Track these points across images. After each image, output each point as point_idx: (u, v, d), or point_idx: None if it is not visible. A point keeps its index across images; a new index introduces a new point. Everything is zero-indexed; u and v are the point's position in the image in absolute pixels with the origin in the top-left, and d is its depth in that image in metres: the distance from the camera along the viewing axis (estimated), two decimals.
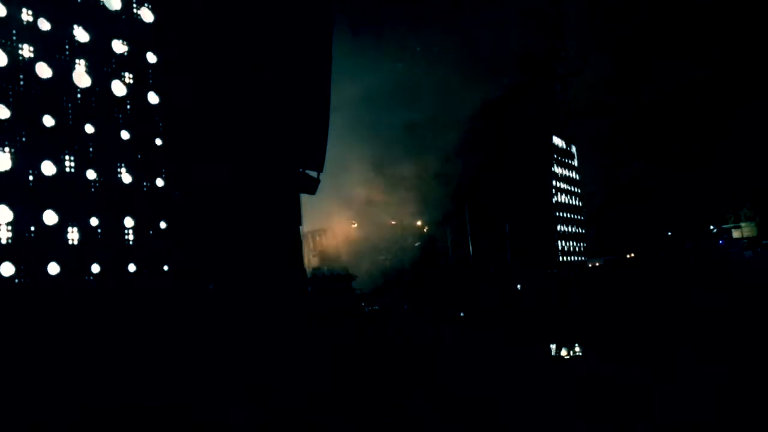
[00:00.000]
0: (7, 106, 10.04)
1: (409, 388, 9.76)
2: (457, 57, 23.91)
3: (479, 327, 15.74)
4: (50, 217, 10.45)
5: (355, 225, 26.58)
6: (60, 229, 10.59)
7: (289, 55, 16.01)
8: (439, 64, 24.39)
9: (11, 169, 9.99)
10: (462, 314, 17.86)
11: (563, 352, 13.24)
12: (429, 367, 11.34)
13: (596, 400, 8.93)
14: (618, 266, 31.57)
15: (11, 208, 9.91)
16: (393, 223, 27.45)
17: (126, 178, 11.89)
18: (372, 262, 24.88)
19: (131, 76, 12.22)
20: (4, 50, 10.03)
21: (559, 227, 35.19)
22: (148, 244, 12.07)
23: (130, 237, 11.88)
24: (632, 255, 35.29)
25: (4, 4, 10.08)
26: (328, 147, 17.44)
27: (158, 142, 12.64)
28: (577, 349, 13.00)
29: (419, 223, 28.26)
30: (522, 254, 27.43)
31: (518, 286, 21.80)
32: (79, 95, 11.20)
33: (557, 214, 35.40)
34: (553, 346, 13.03)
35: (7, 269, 9.74)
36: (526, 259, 26.91)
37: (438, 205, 26.28)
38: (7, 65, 10.06)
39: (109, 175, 11.56)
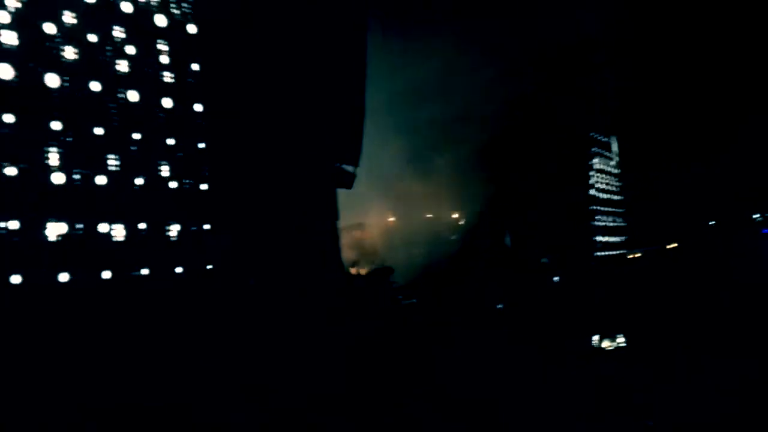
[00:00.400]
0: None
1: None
2: (493, 50, 23.76)
3: (516, 322, 15.78)
4: (101, 221, 11.00)
5: (392, 219, 26.73)
6: (108, 229, 11.11)
7: (325, 54, 16.28)
8: (475, 57, 24.22)
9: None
10: (500, 306, 17.91)
11: (605, 344, 13.19)
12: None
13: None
14: (659, 257, 31.05)
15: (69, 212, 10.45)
16: (429, 216, 27.52)
17: (172, 183, 12.32)
18: (409, 256, 24.99)
19: (175, 82, 12.65)
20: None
21: (597, 220, 34.65)
22: (193, 245, 12.50)
23: (173, 236, 12.29)
24: (673, 245, 34.62)
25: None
26: (364, 142, 17.65)
27: (201, 145, 13.06)
28: (620, 340, 12.91)
29: (455, 216, 28.27)
30: (560, 248, 27.15)
31: (555, 279, 21.71)
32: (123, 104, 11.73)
33: (596, 207, 34.83)
34: (595, 338, 12.99)
35: (62, 274, 10.29)
36: (564, 253, 26.68)
37: (474, 198, 26.24)
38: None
39: (154, 179, 12.04)
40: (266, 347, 11.12)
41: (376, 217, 25.00)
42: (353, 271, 20.02)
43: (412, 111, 21.94)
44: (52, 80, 10.46)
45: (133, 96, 11.66)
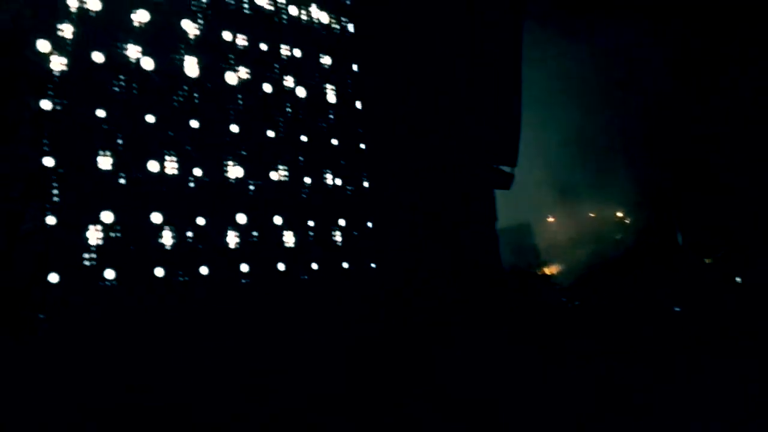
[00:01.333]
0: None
1: None
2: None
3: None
4: (277, 221, 11.70)
5: (552, 219, 25.98)
6: (279, 232, 11.76)
7: (479, 52, 16.17)
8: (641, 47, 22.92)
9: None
10: (677, 309, 16.79)
11: None
12: None
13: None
14: None
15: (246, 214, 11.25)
16: (592, 215, 26.36)
17: (336, 181, 12.84)
18: (572, 257, 24.14)
19: (334, 87, 13.16)
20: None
21: None
22: (356, 244, 12.91)
23: (339, 238, 12.74)
24: None
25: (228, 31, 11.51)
26: (521, 140, 17.30)
27: (362, 146, 13.49)
28: None
29: (619, 214, 26.83)
30: (743, 246, 24.74)
31: (738, 279, 20.00)
32: (289, 109, 12.37)
33: None
34: None
35: (244, 268, 11.03)
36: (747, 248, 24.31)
37: (640, 195, 24.79)
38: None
39: (319, 180, 12.57)
40: (421, 344, 11.20)
41: (537, 217, 24.48)
42: (514, 272, 19.70)
43: (570, 106, 21.19)
44: (231, 79, 11.24)
45: (300, 93, 12.35)
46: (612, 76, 22.57)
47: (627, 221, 26.72)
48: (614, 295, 18.64)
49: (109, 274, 9.50)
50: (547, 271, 20.55)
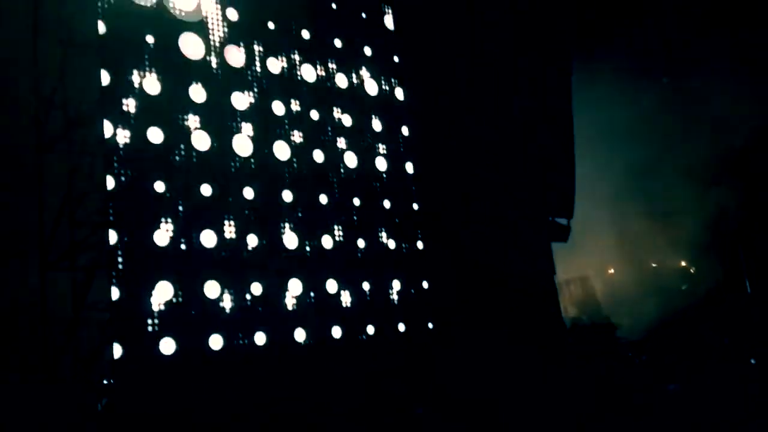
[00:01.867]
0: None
1: None
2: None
3: None
4: (331, 285, 11.77)
5: (612, 270, 25.29)
6: (337, 293, 11.82)
7: (528, 106, 16.20)
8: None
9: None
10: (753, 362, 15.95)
11: None
12: None
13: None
14: None
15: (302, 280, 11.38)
16: (654, 265, 25.54)
17: (390, 243, 12.89)
18: (635, 309, 23.35)
19: (386, 148, 13.38)
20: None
21: None
22: (412, 303, 12.84)
23: (395, 297, 12.70)
24: None
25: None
26: (576, 191, 17.10)
27: (415, 206, 13.55)
28: None
29: (683, 263, 25.91)
30: None
31: None
32: (342, 172, 12.60)
33: None
34: None
35: (300, 335, 11.09)
36: None
37: (704, 242, 23.94)
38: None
39: (375, 242, 12.64)
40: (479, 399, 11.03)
41: (597, 268, 23.88)
42: (576, 327, 19.17)
43: (625, 151, 20.81)
44: (282, 153, 11.40)
45: (351, 162, 12.49)
46: (678, 118, 22.07)
47: (692, 270, 25.78)
48: (682, 348, 17.90)
49: (169, 342, 9.63)
50: (611, 324, 19.89)
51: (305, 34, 12.83)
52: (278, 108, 11.95)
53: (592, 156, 18.79)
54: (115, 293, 9.37)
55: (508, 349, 13.70)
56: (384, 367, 11.47)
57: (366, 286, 12.21)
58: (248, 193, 11.14)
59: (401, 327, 12.54)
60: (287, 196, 11.61)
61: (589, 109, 19.30)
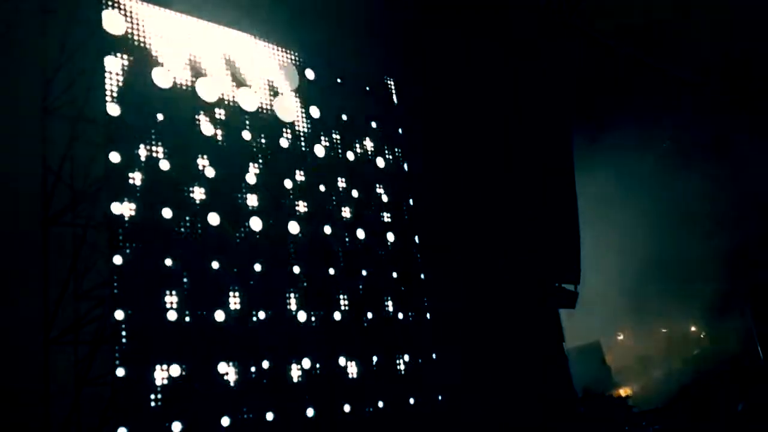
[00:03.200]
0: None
1: None
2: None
3: None
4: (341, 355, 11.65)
5: (621, 336, 24.91)
6: (345, 366, 11.65)
7: (530, 173, 16.27)
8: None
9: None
10: None
11: None
12: None
13: None
14: None
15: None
16: (664, 331, 25.15)
17: (398, 315, 12.85)
18: (647, 376, 22.89)
19: (390, 215, 13.51)
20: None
21: None
22: (421, 376, 12.60)
23: (403, 368, 12.47)
24: None
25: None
26: (582, 256, 16.96)
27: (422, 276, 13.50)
28: None
29: (693, 329, 25.53)
30: None
31: None
32: (347, 240, 12.69)
33: None
34: None
35: (310, 412, 10.88)
36: None
37: (714, 307, 23.65)
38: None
39: (381, 312, 12.52)
40: None
41: (606, 335, 23.49)
42: (587, 396, 18.72)
43: (630, 212, 20.74)
44: (293, 228, 11.53)
45: (360, 235, 12.60)
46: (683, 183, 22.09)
47: (702, 335, 25.39)
48: (696, 417, 17.47)
49: (176, 425, 9.41)
50: (622, 392, 19.45)
51: (314, 112, 13.08)
52: (287, 181, 12.17)
53: (601, 217, 18.71)
54: (118, 369, 9.17)
55: (519, 418, 13.44)
56: None
57: (374, 358, 12.03)
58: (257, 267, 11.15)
59: (411, 401, 12.26)
60: (296, 269, 11.65)
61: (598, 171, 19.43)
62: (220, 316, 10.39)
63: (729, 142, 22.51)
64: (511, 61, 16.11)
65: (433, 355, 13.06)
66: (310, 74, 13.21)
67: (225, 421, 9.85)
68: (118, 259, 9.56)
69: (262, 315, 10.89)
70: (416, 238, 13.89)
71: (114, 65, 10.23)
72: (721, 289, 22.83)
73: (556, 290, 16.72)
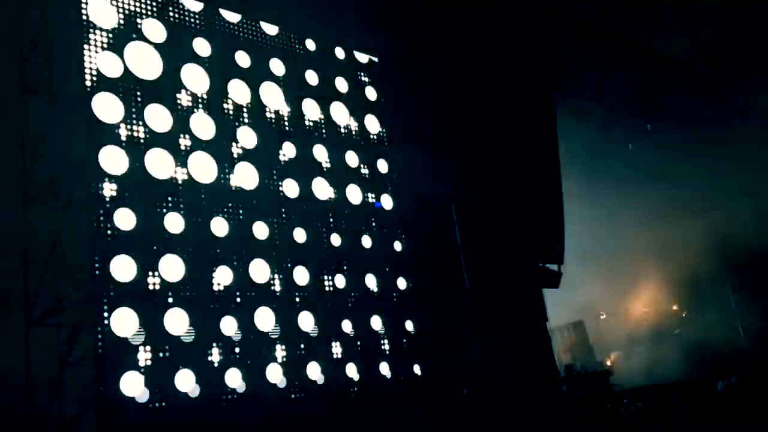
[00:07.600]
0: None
1: None
2: None
3: None
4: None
5: (603, 316, 25.13)
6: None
7: (515, 148, 16.19)
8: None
9: None
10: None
11: None
12: None
13: None
14: None
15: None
16: (645, 310, 25.41)
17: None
18: (629, 355, 23.18)
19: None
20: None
21: None
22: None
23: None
24: None
25: None
26: (568, 234, 17.01)
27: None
28: None
29: (675, 308, 25.80)
30: None
31: None
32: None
33: None
34: None
35: None
36: None
37: (695, 286, 23.90)
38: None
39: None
40: None
41: (588, 315, 23.68)
42: (570, 374, 18.93)
43: (617, 197, 20.83)
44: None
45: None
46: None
47: (684, 314, 25.68)
48: (676, 394, 17.73)
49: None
50: (604, 371, 19.70)
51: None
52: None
53: (581, 196, 18.75)
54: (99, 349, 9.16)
55: (501, 395, 13.62)
56: None
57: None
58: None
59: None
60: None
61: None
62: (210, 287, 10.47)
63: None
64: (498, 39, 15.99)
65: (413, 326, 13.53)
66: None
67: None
68: (99, 240, 9.52)
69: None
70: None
71: (93, 43, 10.14)
72: (702, 269, 23.08)
73: (540, 270, 16.81)
